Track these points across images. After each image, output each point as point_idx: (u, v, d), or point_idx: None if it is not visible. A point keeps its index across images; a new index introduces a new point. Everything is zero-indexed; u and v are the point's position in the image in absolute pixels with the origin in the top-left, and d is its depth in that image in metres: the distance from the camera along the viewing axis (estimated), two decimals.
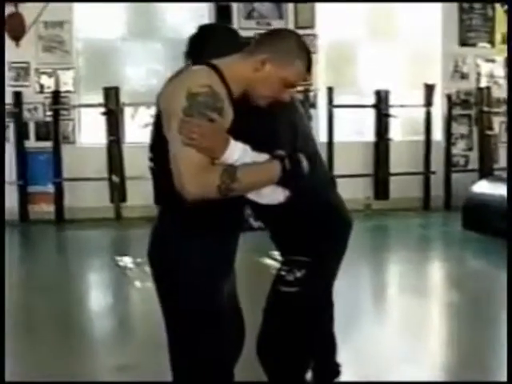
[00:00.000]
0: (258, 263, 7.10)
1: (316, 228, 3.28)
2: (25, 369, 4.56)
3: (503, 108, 10.59)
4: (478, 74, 10.96)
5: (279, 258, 3.42)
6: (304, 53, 2.73)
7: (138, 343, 5.04)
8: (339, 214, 3.44)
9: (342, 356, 4.79)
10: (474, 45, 10.92)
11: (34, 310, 6.19)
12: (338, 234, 3.39)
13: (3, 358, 3.30)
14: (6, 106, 9.92)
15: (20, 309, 6.22)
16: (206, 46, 3.27)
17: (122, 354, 4.84)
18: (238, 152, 2.55)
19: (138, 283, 6.51)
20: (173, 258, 2.70)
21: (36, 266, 7.79)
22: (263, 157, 2.64)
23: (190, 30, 3.54)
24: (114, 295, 6.86)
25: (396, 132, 10.73)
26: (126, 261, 7.53)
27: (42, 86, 10.11)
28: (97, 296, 6.87)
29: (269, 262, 7.42)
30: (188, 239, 2.67)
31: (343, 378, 4.24)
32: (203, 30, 3.44)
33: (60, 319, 5.79)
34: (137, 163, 9.84)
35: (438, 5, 10.78)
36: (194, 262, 2.68)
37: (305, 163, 2.67)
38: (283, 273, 3.26)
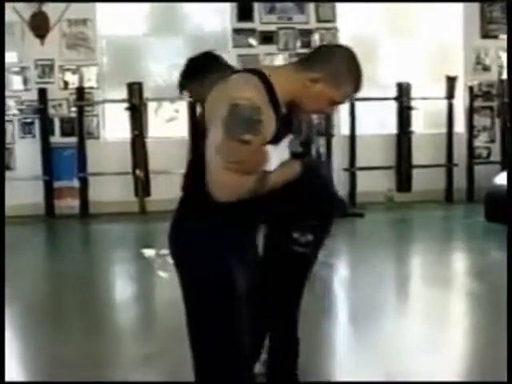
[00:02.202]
0: None
1: (320, 197, 3.62)
2: (52, 357, 4.64)
3: None
4: (500, 67, 10.93)
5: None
6: (356, 74, 2.75)
7: (163, 332, 5.11)
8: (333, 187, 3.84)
9: (366, 346, 4.86)
10: (495, 37, 10.89)
11: (61, 301, 6.30)
12: (334, 204, 3.79)
13: (3, 357, 3.33)
14: (32, 103, 10.07)
15: (48, 300, 6.34)
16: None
17: (148, 343, 4.92)
18: (274, 164, 2.66)
19: (162, 273, 6.60)
20: (189, 236, 2.79)
21: (63, 259, 7.89)
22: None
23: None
24: (139, 285, 6.96)
25: (418, 125, 10.74)
26: (151, 253, 7.63)
27: (66, 83, 10.23)
28: (123, 286, 6.96)
29: None
30: (204, 222, 2.74)
31: (367, 369, 4.31)
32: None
33: (87, 309, 5.89)
34: (160, 158, 10.01)
35: None
36: (206, 242, 2.75)
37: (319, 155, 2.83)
38: (297, 235, 3.58)
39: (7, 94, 10.02)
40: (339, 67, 2.70)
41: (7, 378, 4.14)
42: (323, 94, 2.69)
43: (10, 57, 10.01)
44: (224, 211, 2.66)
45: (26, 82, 10.17)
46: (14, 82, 10.15)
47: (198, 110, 8.39)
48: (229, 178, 2.54)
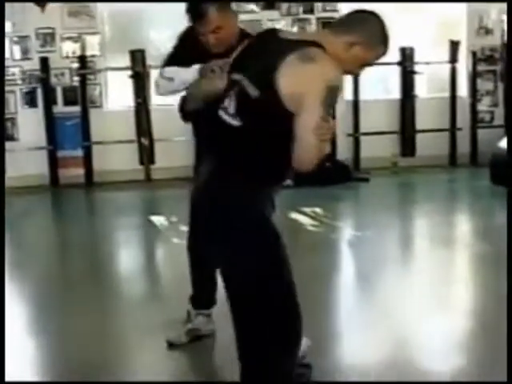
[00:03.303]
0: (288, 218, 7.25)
1: None
2: (61, 326, 4.66)
3: None
4: (503, 30, 10.88)
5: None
6: (386, 39, 2.96)
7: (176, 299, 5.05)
8: None
9: (373, 306, 4.90)
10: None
11: (70, 269, 6.31)
12: None
13: (3, 357, 3.32)
14: (34, 72, 10.04)
15: (57, 268, 6.37)
16: None
17: (160, 311, 4.90)
18: None
19: (175, 240, 6.51)
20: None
21: (70, 227, 7.93)
22: None
23: None
24: (151, 252, 6.99)
25: (421, 89, 10.72)
26: (161, 220, 7.63)
27: (68, 51, 10.18)
28: (134, 253, 6.96)
29: (297, 216, 7.55)
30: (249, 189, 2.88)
31: (373, 328, 4.34)
32: None
33: (97, 276, 5.90)
34: (163, 125, 9.98)
35: None
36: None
37: None
38: None
39: (9, 63, 10.00)
40: (372, 30, 2.93)
41: (18, 350, 4.19)
42: (359, 56, 2.90)
43: (11, 26, 9.96)
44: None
45: (27, 51, 10.11)
46: (15, 52, 10.10)
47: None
48: (319, 151, 2.77)
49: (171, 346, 4.21)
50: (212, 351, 4.27)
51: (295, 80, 2.73)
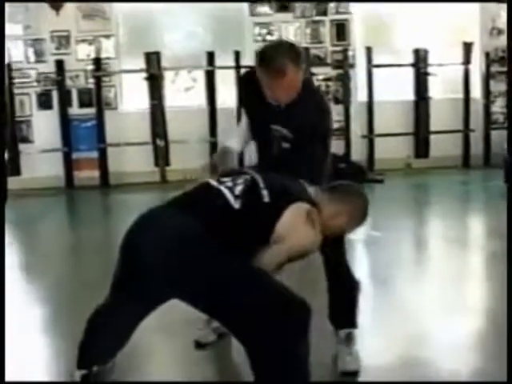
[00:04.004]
0: None
1: None
2: (77, 327, 4.65)
3: None
4: None
5: None
6: (366, 215, 3.47)
7: None
8: None
9: (388, 307, 4.91)
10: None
11: (86, 271, 6.29)
12: None
13: (3, 357, 3.32)
14: (49, 74, 10.10)
15: (72, 269, 6.36)
16: None
17: (179, 311, 4.91)
18: None
19: None
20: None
21: (86, 229, 7.94)
22: None
23: None
24: None
25: (435, 91, 10.73)
26: None
27: (83, 54, 10.24)
28: None
29: None
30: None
31: (388, 328, 4.36)
32: None
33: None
34: (178, 127, 10.03)
35: None
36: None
37: None
38: None
39: (25, 66, 10.08)
40: (362, 205, 3.41)
41: (35, 351, 4.22)
42: (340, 226, 3.36)
43: (25, 28, 10.04)
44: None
45: (42, 53, 10.18)
46: (30, 54, 10.17)
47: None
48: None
49: (199, 345, 4.20)
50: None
51: (289, 224, 3.05)
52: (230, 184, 3.14)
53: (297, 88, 3.56)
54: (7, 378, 3.83)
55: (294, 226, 3.05)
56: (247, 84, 3.87)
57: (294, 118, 3.60)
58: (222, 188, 3.12)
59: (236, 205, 3.06)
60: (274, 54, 3.48)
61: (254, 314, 2.89)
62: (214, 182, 3.19)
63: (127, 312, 3.42)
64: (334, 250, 3.75)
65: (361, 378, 3.77)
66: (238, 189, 3.11)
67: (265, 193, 3.10)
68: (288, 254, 3.05)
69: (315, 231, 3.10)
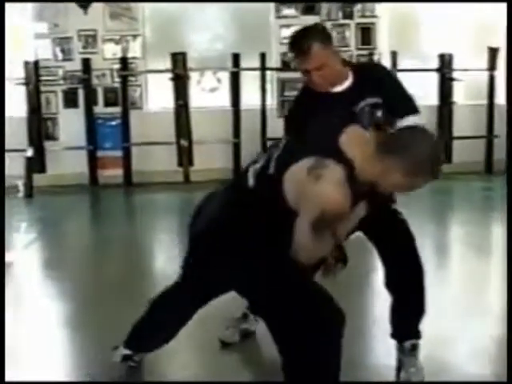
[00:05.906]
0: None
1: None
2: (101, 323, 4.68)
3: None
4: None
5: None
6: (433, 167, 2.77)
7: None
8: None
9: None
10: None
11: (110, 268, 6.35)
12: None
13: (3, 357, 3.35)
14: (76, 73, 10.19)
15: (96, 267, 6.41)
16: None
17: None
18: None
19: None
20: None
21: (109, 227, 8.00)
22: None
23: None
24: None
25: (459, 96, 10.72)
26: None
27: (109, 53, 10.33)
28: (173, 253, 6.97)
29: None
30: None
31: None
32: None
33: (136, 276, 5.93)
34: (202, 127, 10.09)
35: None
36: None
37: None
38: None
39: (52, 64, 10.18)
40: (418, 158, 2.70)
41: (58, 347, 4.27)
42: (397, 183, 2.76)
43: (52, 27, 10.14)
44: None
45: (69, 52, 10.27)
46: (58, 52, 10.26)
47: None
48: (307, 257, 2.92)
49: (224, 344, 4.24)
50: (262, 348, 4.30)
51: (294, 190, 2.75)
52: (256, 163, 2.97)
53: (333, 67, 3.61)
54: (26, 369, 3.92)
55: (298, 189, 2.72)
56: (301, 97, 3.87)
57: (371, 85, 3.71)
58: (250, 169, 2.98)
59: (250, 183, 2.91)
60: (299, 36, 3.64)
61: (291, 325, 2.89)
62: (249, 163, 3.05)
63: (186, 299, 3.55)
64: (394, 223, 3.79)
65: (381, 379, 3.80)
66: (257, 166, 2.94)
67: (272, 164, 2.85)
68: (316, 223, 2.68)
69: (331, 186, 2.63)
